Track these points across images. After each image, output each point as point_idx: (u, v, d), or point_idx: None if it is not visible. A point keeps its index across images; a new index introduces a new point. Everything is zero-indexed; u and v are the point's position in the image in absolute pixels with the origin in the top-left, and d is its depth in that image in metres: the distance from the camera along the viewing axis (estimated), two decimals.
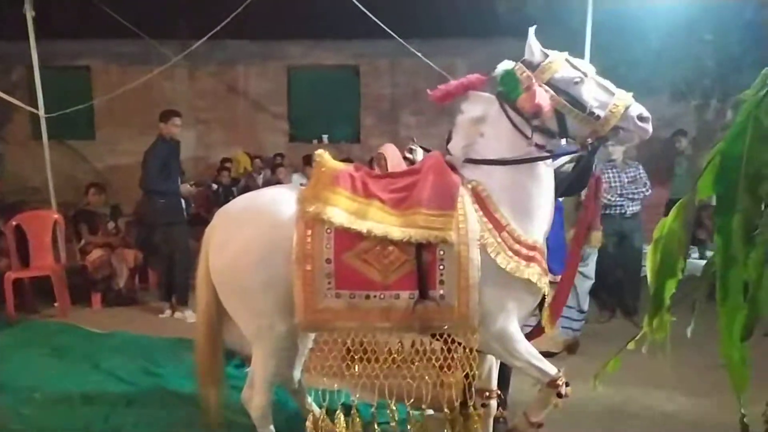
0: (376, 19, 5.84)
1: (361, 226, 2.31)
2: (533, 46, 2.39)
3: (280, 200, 2.49)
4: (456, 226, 2.30)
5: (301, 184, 2.76)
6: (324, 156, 2.56)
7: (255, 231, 2.45)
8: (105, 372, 4.26)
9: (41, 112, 5.79)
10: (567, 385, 2.45)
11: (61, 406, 3.71)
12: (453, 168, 2.47)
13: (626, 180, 5.52)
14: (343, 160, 7.62)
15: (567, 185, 2.66)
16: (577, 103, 2.30)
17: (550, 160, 2.47)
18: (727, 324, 0.79)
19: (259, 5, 5.65)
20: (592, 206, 2.60)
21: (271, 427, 2.77)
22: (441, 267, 2.30)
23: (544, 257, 2.44)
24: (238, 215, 2.57)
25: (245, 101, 8.84)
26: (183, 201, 5.71)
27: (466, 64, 6.86)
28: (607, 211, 5.47)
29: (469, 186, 2.41)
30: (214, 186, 7.02)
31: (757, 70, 0.91)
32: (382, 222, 2.32)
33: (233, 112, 8.81)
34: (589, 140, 2.36)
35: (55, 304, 5.86)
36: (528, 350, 2.46)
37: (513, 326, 2.42)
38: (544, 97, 2.28)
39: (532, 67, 2.36)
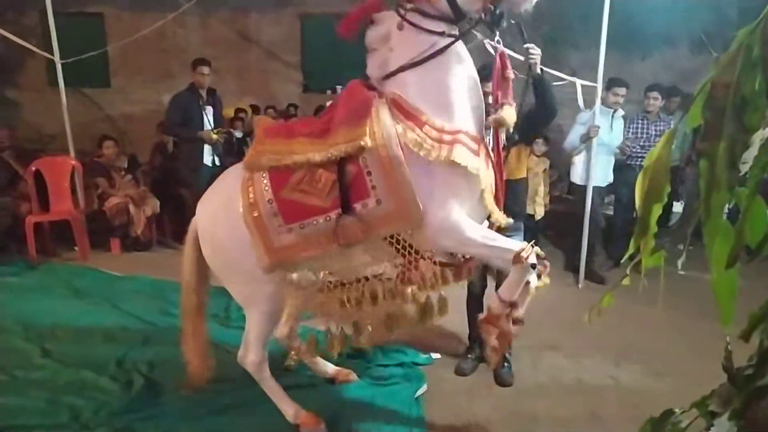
0: None
1: (287, 160, 2.43)
2: None
3: (236, 173, 2.66)
4: (371, 132, 2.32)
5: None
6: (262, 119, 2.78)
7: (221, 205, 2.67)
8: (124, 312, 4.43)
9: (57, 58, 5.80)
10: (543, 258, 2.40)
11: (82, 344, 3.89)
12: (373, 88, 2.48)
13: (654, 133, 5.41)
14: None
15: (531, 117, 2.68)
16: None
17: (463, 49, 2.43)
18: (709, 245, 0.83)
19: None
20: (499, 80, 2.45)
21: (270, 378, 2.92)
22: (369, 174, 2.33)
23: (477, 142, 2.38)
24: (209, 200, 2.82)
25: (258, 49, 8.75)
26: (210, 148, 5.85)
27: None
28: (628, 161, 5.40)
29: (388, 98, 2.41)
30: (237, 134, 7.05)
31: None
32: (306, 152, 2.41)
33: (246, 60, 8.74)
34: (481, 14, 2.33)
35: (75, 248, 6.03)
36: (481, 234, 2.40)
37: (454, 215, 2.36)
38: None
39: None
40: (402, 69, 2.39)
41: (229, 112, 7.54)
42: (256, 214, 2.47)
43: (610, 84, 5.13)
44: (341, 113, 2.41)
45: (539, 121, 3.28)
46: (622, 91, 5.12)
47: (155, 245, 6.40)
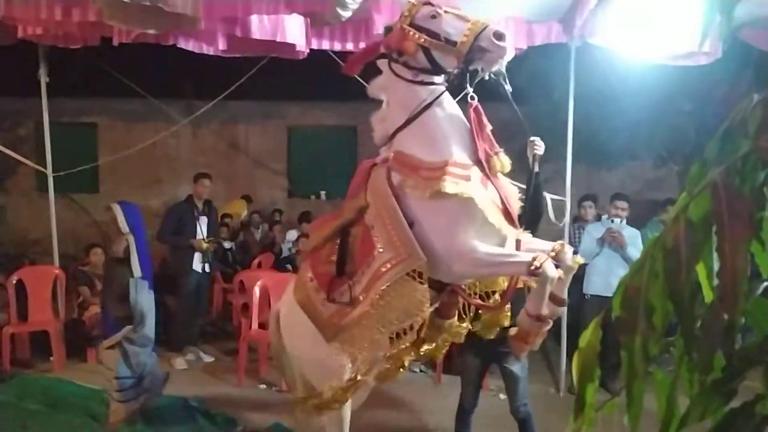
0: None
1: (314, 241, 2.86)
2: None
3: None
4: (364, 194, 2.62)
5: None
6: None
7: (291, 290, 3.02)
8: (99, 429, 4.31)
9: (49, 171, 5.98)
10: (557, 259, 2.36)
11: None
12: (375, 163, 2.73)
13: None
14: None
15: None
16: (435, 35, 2.49)
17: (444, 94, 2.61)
18: (632, 428, 0.93)
19: (261, 67, 5.96)
20: (478, 132, 2.56)
21: None
22: (372, 228, 2.57)
23: (466, 168, 2.48)
24: (289, 287, 3.09)
25: (246, 158, 9.11)
26: (201, 255, 6.08)
27: None
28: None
29: (391, 158, 2.62)
30: (226, 245, 7.22)
31: None
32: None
33: (234, 168, 9.07)
34: (457, 68, 2.51)
35: (51, 358, 5.92)
36: (490, 253, 2.44)
37: (460, 242, 2.43)
38: (398, 33, 2.56)
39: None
40: (398, 130, 2.64)
41: None
42: (302, 294, 2.82)
43: (613, 198, 5.49)
44: (349, 191, 2.77)
45: (526, 222, 3.37)
46: (624, 204, 5.41)
47: None
